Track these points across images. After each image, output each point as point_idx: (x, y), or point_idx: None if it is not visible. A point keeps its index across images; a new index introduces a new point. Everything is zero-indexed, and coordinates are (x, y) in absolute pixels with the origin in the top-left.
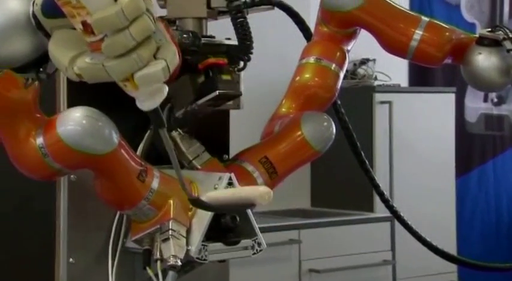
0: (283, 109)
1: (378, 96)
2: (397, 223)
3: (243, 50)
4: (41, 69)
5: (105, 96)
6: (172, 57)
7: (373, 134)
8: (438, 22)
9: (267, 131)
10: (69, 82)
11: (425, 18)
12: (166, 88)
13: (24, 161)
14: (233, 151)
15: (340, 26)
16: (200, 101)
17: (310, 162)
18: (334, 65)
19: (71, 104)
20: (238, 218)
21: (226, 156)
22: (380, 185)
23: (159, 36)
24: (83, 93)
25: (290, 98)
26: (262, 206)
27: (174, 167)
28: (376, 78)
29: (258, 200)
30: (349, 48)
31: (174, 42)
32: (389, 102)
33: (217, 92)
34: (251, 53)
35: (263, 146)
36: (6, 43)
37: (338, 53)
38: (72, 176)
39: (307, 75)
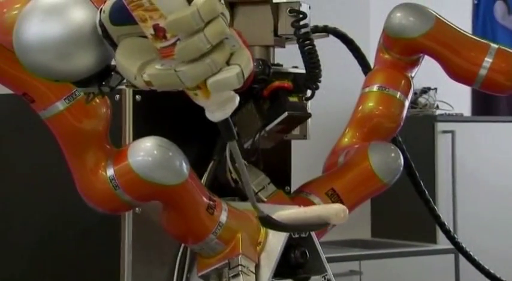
0: (346, 140)
1: (440, 126)
2: (461, 256)
3: (311, 78)
4: (104, 82)
5: (169, 126)
6: (246, 62)
7: (435, 164)
8: (508, 49)
9: (330, 162)
10: (135, 112)
11: (494, 45)
12: (238, 98)
13: (93, 193)
14: (294, 183)
15: (404, 53)
16: (269, 126)
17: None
18: (399, 94)
19: (137, 134)
20: (308, 254)
21: (288, 188)
22: (441, 215)
23: (233, 42)
24: (148, 122)
25: (353, 128)
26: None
27: (244, 183)
28: (437, 108)
29: (333, 219)
30: (412, 75)
31: (248, 48)
32: (452, 132)
33: (286, 113)
34: (319, 82)
35: (329, 177)
36: (68, 57)
37: (403, 81)
38: (137, 208)
39: (370, 105)
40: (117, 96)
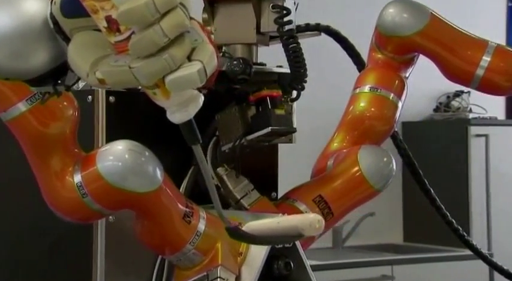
0: (336, 143)
1: (474, 130)
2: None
3: (296, 78)
4: (59, 81)
5: (146, 129)
6: (209, 58)
7: (469, 168)
8: (508, 47)
9: (319, 167)
10: (108, 114)
11: (492, 43)
12: (202, 98)
13: (60, 201)
14: (281, 188)
15: (397, 52)
16: (250, 137)
17: (403, 195)
18: (392, 95)
19: (110, 138)
20: (292, 265)
21: (275, 194)
22: (476, 219)
23: (194, 36)
24: (122, 125)
25: (343, 131)
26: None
27: (210, 191)
28: (471, 111)
29: (307, 230)
30: (407, 75)
31: (212, 43)
32: (486, 136)
33: (269, 129)
34: (305, 82)
35: (317, 183)
36: (19, 52)
37: (396, 81)
38: (110, 217)
39: (362, 106)
40: (89, 97)
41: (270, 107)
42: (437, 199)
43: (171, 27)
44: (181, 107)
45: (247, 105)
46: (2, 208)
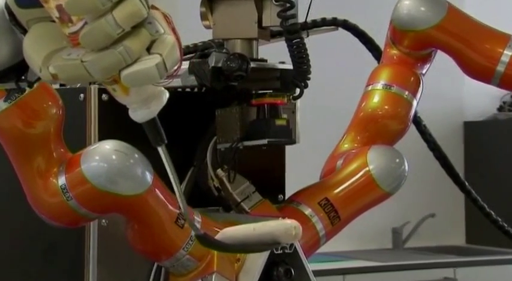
0: (347, 143)
1: None
2: None
3: (299, 75)
4: (23, 77)
5: (141, 129)
6: (169, 51)
7: None
8: None
9: (328, 168)
10: (100, 113)
11: None
12: (166, 94)
13: (44, 205)
14: (289, 191)
15: (413, 47)
16: (246, 143)
17: (465, 196)
18: (406, 93)
19: (103, 138)
20: (293, 271)
21: (282, 196)
22: None
23: (155, 27)
24: (116, 125)
25: (354, 131)
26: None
27: (177, 196)
28: None
29: (282, 238)
30: (423, 72)
31: (176, 35)
32: None
33: (266, 141)
34: (308, 79)
35: (323, 186)
36: None
37: (411, 78)
38: (103, 220)
39: (374, 104)
40: (81, 95)
41: (270, 116)
42: (473, 191)
43: (125, 17)
44: (143, 104)
45: (249, 106)
46: None
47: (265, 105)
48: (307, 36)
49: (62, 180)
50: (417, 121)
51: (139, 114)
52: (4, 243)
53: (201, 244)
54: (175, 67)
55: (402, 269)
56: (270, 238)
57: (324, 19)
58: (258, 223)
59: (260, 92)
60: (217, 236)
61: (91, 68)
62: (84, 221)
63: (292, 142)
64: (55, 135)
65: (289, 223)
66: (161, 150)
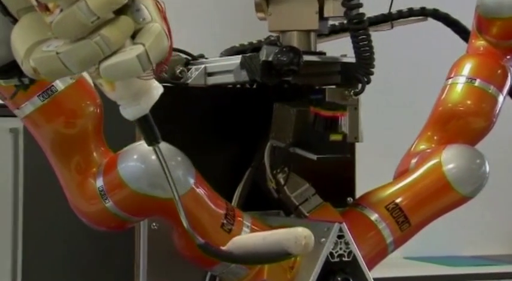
0: (423, 142)
1: None
2: None
3: (361, 68)
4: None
5: (198, 125)
6: (154, 41)
7: None
8: None
9: (402, 168)
10: (155, 108)
11: None
12: (159, 89)
13: (84, 207)
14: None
15: (502, 36)
16: (297, 151)
17: None
18: (492, 87)
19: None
20: None
21: (351, 199)
22: None
23: (142, 14)
24: (170, 122)
25: (432, 128)
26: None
27: (175, 201)
28: None
29: (292, 248)
30: None
31: (167, 24)
32: None
33: (315, 157)
34: (372, 73)
35: (392, 188)
36: None
37: (498, 71)
38: (153, 223)
39: (455, 99)
40: None
41: (325, 129)
42: None
43: (99, 4)
44: (132, 100)
45: (306, 111)
46: (53, 210)
47: (322, 118)
48: (391, 27)
49: (99, 182)
50: None
51: (129, 111)
52: (62, 245)
53: (204, 254)
54: (163, 58)
55: None
56: (279, 247)
57: (410, 9)
58: (270, 232)
59: (319, 97)
60: (227, 245)
61: (66, 60)
62: (127, 224)
63: (346, 157)
64: (94, 133)
65: (300, 231)
66: (155, 149)
